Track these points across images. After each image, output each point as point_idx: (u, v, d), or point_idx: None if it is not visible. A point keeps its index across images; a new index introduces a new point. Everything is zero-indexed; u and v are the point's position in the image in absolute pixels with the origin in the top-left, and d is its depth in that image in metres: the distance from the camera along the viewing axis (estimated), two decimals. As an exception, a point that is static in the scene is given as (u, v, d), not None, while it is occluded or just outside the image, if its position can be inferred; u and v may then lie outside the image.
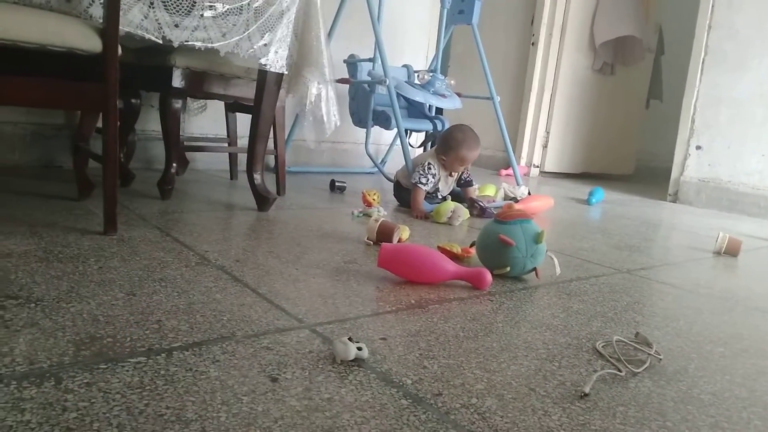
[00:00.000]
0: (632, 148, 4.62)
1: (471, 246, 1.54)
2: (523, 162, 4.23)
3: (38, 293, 0.99)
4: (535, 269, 1.39)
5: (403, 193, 2.27)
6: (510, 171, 3.78)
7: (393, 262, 1.26)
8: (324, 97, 1.83)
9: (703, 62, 3.30)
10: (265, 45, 1.64)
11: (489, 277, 1.28)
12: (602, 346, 1.01)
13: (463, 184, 2.32)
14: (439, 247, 1.53)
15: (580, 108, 4.22)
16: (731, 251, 1.96)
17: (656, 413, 0.79)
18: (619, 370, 0.91)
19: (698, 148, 3.37)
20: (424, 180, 2.17)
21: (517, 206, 2.34)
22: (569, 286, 1.39)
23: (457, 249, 1.51)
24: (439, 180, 2.24)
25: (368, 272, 1.32)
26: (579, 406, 0.79)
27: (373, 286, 1.23)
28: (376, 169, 2.93)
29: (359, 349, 0.85)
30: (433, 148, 2.29)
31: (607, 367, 0.93)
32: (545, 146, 4.21)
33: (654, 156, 5.16)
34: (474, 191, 2.35)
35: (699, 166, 3.37)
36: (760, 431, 0.77)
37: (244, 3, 1.56)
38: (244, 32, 1.57)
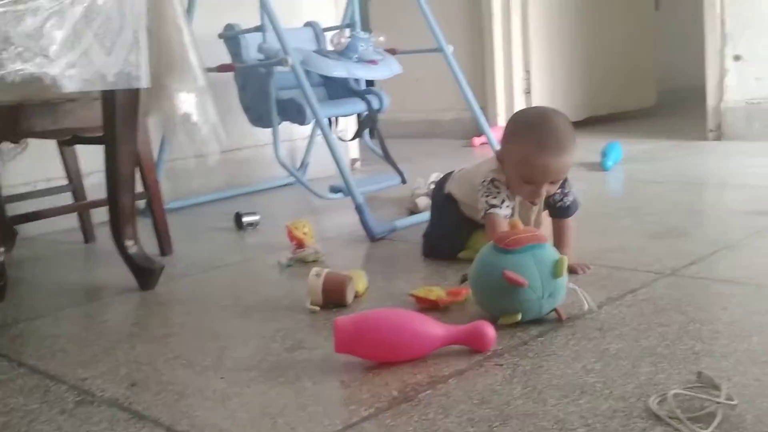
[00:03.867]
0: (649, 70, 4.85)
1: (462, 282, 1.63)
2: (500, 120, 4.38)
3: None
4: (556, 310, 1.47)
5: (453, 222, 1.95)
6: (484, 138, 3.90)
7: (356, 342, 1.32)
8: (197, 106, 1.89)
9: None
10: (110, 55, 1.69)
11: (491, 332, 1.35)
12: (657, 403, 1.12)
13: (557, 211, 1.86)
14: (411, 296, 1.61)
15: (567, 30, 4.40)
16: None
17: (741, 491, 0.91)
18: (685, 437, 1.03)
19: (737, 58, 3.59)
20: (495, 201, 1.75)
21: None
22: (600, 316, 1.50)
23: (435, 295, 1.58)
24: (514, 205, 1.81)
25: (324, 359, 1.39)
26: (642, 504, 0.90)
27: (336, 380, 1.31)
28: (294, 180, 2.98)
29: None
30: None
31: (669, 434, 1.04)
32: (528, 92, 4.37)
33: (680, 75, 5.41)
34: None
35: (742, 83, 3.58)
36: None
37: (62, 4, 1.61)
38: (77, 46, 1.61)
